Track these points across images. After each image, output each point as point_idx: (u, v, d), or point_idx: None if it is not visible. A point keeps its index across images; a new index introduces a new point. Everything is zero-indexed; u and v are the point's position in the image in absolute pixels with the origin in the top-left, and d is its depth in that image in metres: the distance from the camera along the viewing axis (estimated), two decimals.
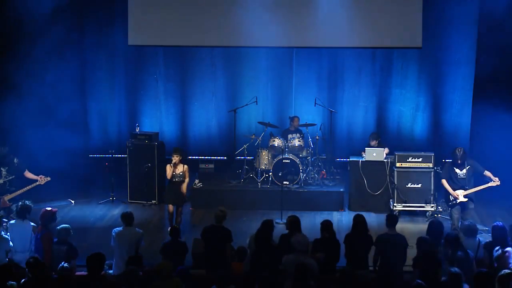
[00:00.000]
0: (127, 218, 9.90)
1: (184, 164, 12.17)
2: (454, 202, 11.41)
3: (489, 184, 11.46)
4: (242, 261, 9.60)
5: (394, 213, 10.02)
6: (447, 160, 12.71)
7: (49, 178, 11.62)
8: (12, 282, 7.77)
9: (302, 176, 13.93)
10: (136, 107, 15.86)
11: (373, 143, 13.99)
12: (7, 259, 9.31)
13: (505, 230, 9.11)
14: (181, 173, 12.07)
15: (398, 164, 13.41)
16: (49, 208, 9.95)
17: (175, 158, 11.99)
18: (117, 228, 10.00)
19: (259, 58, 15.69)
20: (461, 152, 11.38)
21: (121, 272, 8.98)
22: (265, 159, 14.13)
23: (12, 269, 8.14)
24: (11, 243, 9.51)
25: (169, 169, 12.06)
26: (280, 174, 14.01)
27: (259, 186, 13.98)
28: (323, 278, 8.59)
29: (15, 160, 11.50)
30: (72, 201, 14.21)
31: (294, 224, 9.57)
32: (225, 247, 9.50)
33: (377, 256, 9.36)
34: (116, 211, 13.71)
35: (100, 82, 15.78)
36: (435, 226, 9.40)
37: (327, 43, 15.08)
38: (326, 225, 9.57)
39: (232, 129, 14.84)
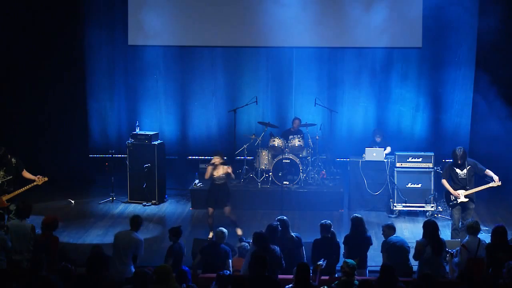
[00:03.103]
0: (132, 222, 9.66)
1: (224, 165, 12.02)
2: (455, 202, 11.40)
3: (490, 185, 11.44)
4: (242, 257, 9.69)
5: (390, 222, 10.02)
6: (447, 160, 12.70)
7: (46, 178, 11.57)
8: None
9: (302, 176, 13.93)
10: (136, 107, 15.86)
11: (378, 139, 14.03)
12: (5, 259, 9.26)
13: (506, 232, 9.10)
14: (222, 175, 11.98)
15: (398, 164, 13.41)
16: (52, 215, 9.85)
17: (216, 160, 11.90)
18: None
19: (259, 58, 15.70)
20: (461, 152, 11.37)
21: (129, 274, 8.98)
22: (265, 159, 14.12)
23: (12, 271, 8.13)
24: (9, 243, 9.45)
25: (209, 170, 11.94)
26: (280, 174, 14.01)
27: (259, 186, 13.98)
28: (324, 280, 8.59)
29: (13, 160, 11.45)
30: (72, 201, 14.20)
31: (282, 225, 9.54)
32: (224, 265, 9.19)
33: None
34: (116, 211, 13.72)
35: (100, 82, 15.78)
36: (429, 226, 9.37)
37: (327, 43, 15.10)
38: (325, 226, 9.55)
39: (232, 129, 14.83)
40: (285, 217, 9.66)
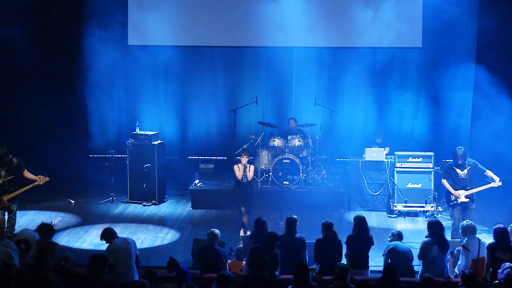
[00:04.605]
0: (108, 234, 9.23)
1: (251, 164, 12.14)
2: (455, 202, 11.40)
3: (491, 185, 11.45)
4: (240, 259, 9.70)
5: (399, 231, 9.98)
6: (447, 160, 12.70)
7: (47, 178, 11.56)
8: None
9: (302, 176, 13.93)
10: (136, 107, 15.84)
11: (379, 140, 14.05)
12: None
13: (507, 232, 9.09)
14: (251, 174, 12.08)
15: (398, 164, 13.41)
16: (50, 241, 9.71)
17: (245, 159, 11.94)
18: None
19: (259, 58, 15.69)
20: (462, 152, 11.37)
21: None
22: (265, 159, 14.12)
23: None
24: (17, 262, 9.03)
25: (237, 170, 11.97)
26: (280, 174, 14.01)
27: (259, 186, 13.97)
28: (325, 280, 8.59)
29: (14, 160, 11.45)
30: (72, 201, 14.20)
31: (290, 225, 9.54)
32: (220, 268, 9.07)
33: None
34: (116, 211, 13.72)
35: (100, 82, 15.75)
36: (435, 226, 9.37)
37: (327, 43, 15.10)
38: (327, 226, 9.54)
39: (232, 129, 14.83)
40: (294, 216, 9.64)
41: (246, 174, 11.98)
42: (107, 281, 7.92)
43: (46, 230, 9.45)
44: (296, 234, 9.51)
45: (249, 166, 12.02)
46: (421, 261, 9.21)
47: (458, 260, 9.42)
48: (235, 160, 14.18)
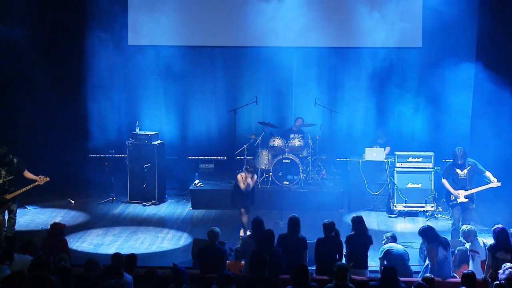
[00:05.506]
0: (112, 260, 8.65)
1: (255, 174, 12.28)
2: (455, 202, 11.41)
3: (490, 185, 11.45)
4: (239, 260, 9.70)
5: (392, 233, 9.99)
6: (447, 160, 12.71)
7: (48, 178, 11.58)
8: None
9: (302, 176, 13.93)
10: (136, 107, 15.84)
11: (381, 141, 14.07)
12: None
13: (507, 232, 9.09)
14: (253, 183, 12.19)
15: (398, 164, 13.41)
16: (57, 222, 9.55)
17: (250, 175, 12.03)
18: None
19: (259, 58, 15.68)
20: (461, 152, 11.38)
21: None
22: (265, 159, 14.12)
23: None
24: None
25: (241, 181, 12.00)
26: (280, 174, 14.01)
27: (259, 186, 13.96)
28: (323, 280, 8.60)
29: (15, 160, 11.46)
30: (72, 201, 14.20)
31: (293, 224, 9.54)
32: (220, 267, 9.01)
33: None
34: (116, 211, 13.72)
35: (100, 82, 15.75)
36: (428, 231, 9.35)
37: (327, 43, 15.11)
38: (329, 225, 9.51)
39: (232, 129, 14.83)
40: (296, 215, 9.63)
41: (249, 184, 12.02)
42: (111, 285, 7.93)
43: (30, 246, 9.02)
44: (299, 233, 9.51)
45: (255, 176, 12.18)
46: (423, 262, 9.21)
47: (466, 262, 9.42)
48: (235, 161, 14.24)
